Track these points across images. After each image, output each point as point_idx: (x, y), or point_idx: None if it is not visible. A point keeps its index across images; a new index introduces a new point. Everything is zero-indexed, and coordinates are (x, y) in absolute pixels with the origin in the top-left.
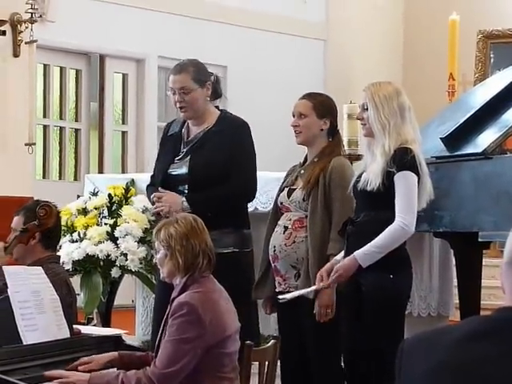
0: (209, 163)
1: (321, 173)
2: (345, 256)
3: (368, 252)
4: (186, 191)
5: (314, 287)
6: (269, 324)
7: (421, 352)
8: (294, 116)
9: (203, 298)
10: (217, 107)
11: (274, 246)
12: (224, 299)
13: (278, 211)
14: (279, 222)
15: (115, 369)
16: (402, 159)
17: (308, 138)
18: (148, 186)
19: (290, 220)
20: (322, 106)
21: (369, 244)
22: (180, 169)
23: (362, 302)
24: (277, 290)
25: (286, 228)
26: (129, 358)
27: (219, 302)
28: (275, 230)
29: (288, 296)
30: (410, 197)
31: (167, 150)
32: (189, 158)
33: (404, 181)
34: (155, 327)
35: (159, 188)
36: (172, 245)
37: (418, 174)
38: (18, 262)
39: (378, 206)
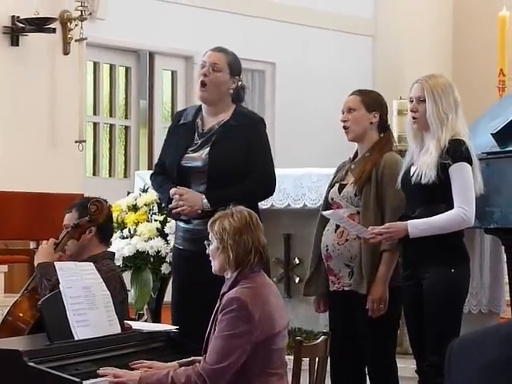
0: (228, 159)
1: (373, 168)
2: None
3: (421, 227)
4: (203, 185)
5: (363, 228)
6: (318, 321)
7: (469, 353)
8: (343, 113)
9: (253, 294)
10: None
11: (327, 246)
12: (274, 294)
13: (328, 208)
14: (330, 221)
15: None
16: (457, 151)
17: (358, 132)
18: (153, 174)
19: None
20: (371, 100)
21: (425, 220)
22: (195, 161)
23: (424, 297)
24: (331, 289)
25: (337, 226)
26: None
27: (269, 297)
28: (326, 228)
29: (332, 215)
30: (469, 188)
31: (179, 140)
32: (207, 151)
33: (461, 172)
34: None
35: (177, 186)
36: (225, 238)
37: (471, 165)
38: (72, 258)
39: (433, 199)
